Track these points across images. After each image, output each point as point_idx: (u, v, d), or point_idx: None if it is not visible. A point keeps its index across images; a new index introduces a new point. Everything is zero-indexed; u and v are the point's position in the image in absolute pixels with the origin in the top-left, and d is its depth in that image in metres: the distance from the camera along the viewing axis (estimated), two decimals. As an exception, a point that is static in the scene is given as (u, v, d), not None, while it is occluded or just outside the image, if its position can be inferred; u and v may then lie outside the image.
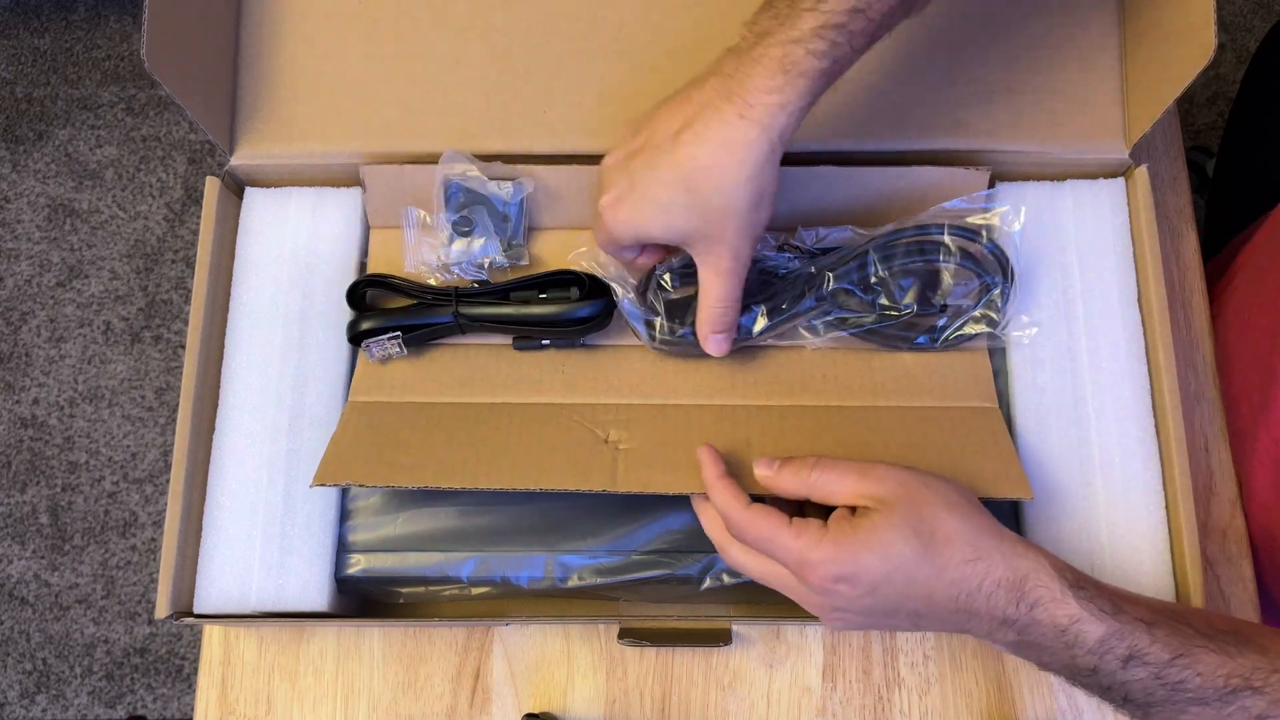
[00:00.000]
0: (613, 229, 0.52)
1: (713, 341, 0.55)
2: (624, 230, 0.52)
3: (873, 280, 0.56)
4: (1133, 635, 0.43)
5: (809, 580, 0.45)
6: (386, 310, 0.59)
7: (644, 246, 0.56)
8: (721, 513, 0.48)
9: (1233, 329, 0.65)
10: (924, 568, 0.44)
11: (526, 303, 0.58)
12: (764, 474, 0.49)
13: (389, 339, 0.58)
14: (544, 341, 0.58)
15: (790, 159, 0.58)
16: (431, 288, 0.59)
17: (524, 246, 0.60)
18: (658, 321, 0.57)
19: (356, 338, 0.58)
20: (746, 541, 0.47)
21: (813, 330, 0.57)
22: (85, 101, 1.51)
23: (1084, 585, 0.44)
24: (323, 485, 0.52)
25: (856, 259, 0.56)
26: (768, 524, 0.46)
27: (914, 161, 0.59)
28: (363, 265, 0.62)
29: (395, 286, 0.59)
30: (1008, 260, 0.56)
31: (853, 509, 0.46)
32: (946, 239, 0.55)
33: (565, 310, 0.57)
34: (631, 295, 0.57)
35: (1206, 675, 0.42)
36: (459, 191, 0.59)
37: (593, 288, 0.57)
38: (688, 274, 0.56)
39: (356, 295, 0.59)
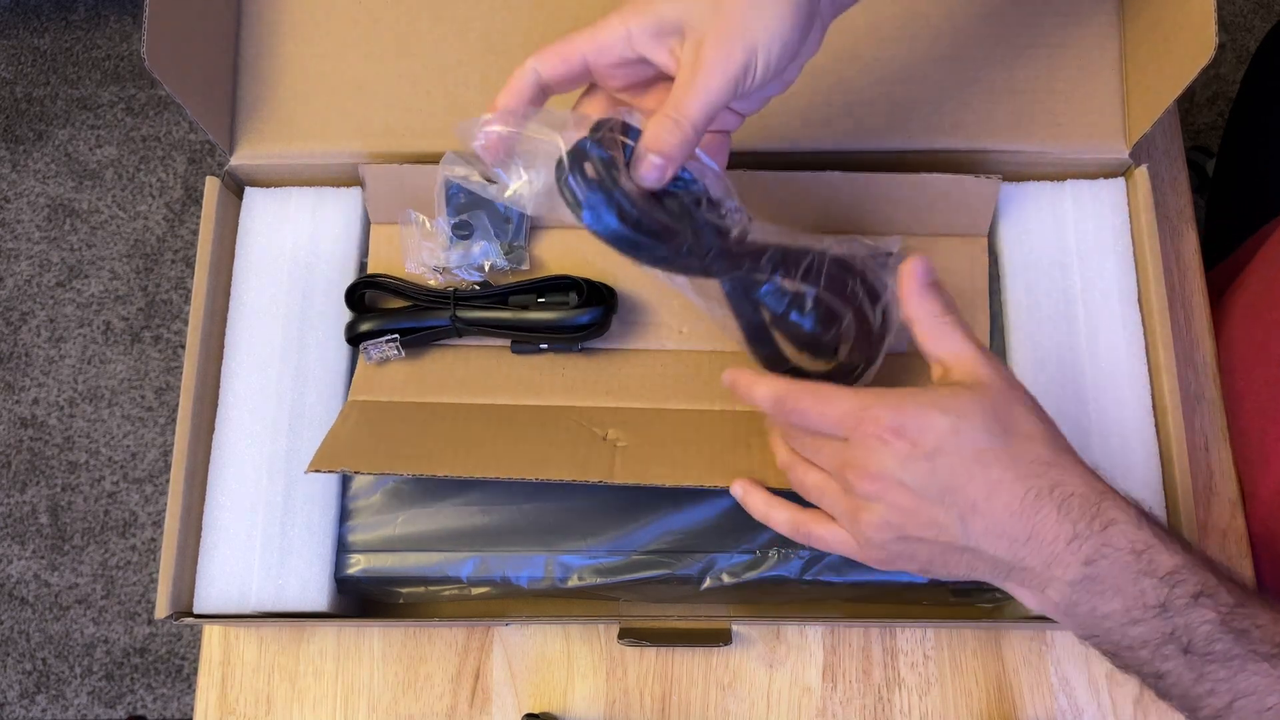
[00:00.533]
0: (623, 10, 0.44)
1: (649, 165, 0.44)
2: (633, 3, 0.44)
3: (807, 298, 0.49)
4: (1202, 572, 0.41)
5: (862, 430, 0.42)
6: (385, 311, 0.59)
7: (591, 89, 0.47)
8: (774, 396, 0.45)
9: (1240, 327, 0.64)
10: (996, 449, 0.41)
11: (524, 308, 0.57)
12: (924, 282, 0.45)
13: (386, 342, 0.58)
14: (542, 346, 0.58)
15: (795, 163, 0.59)
16: (429, 290, 0.59)
17: (525, 249, 0.60)
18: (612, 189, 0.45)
19: (355, 339, 0.58)
20: (801, 412, 0.44)
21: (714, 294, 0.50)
22: (85, 101, 1.51)
23: (1155, 519, 0.42)
24: (318, 471, 0.52)
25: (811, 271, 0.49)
26: (827, 386, 0.44)
27: (915, 162, 0.59)
28: (363, 265, 0.62)
29: (392, 288, 0.59)
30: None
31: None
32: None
33: (563, 317, 0.57)
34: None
35: (1264, 629, 0.40)
36: (460, 193, 0.59)
37: (591, 294, 0.57)
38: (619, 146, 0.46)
39: (354, 296, 0.59)
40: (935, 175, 0.58)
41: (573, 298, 0.57)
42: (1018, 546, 0.42)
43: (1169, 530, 0.43)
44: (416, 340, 0.58)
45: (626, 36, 0.44)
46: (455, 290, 0.58)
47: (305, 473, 0.53)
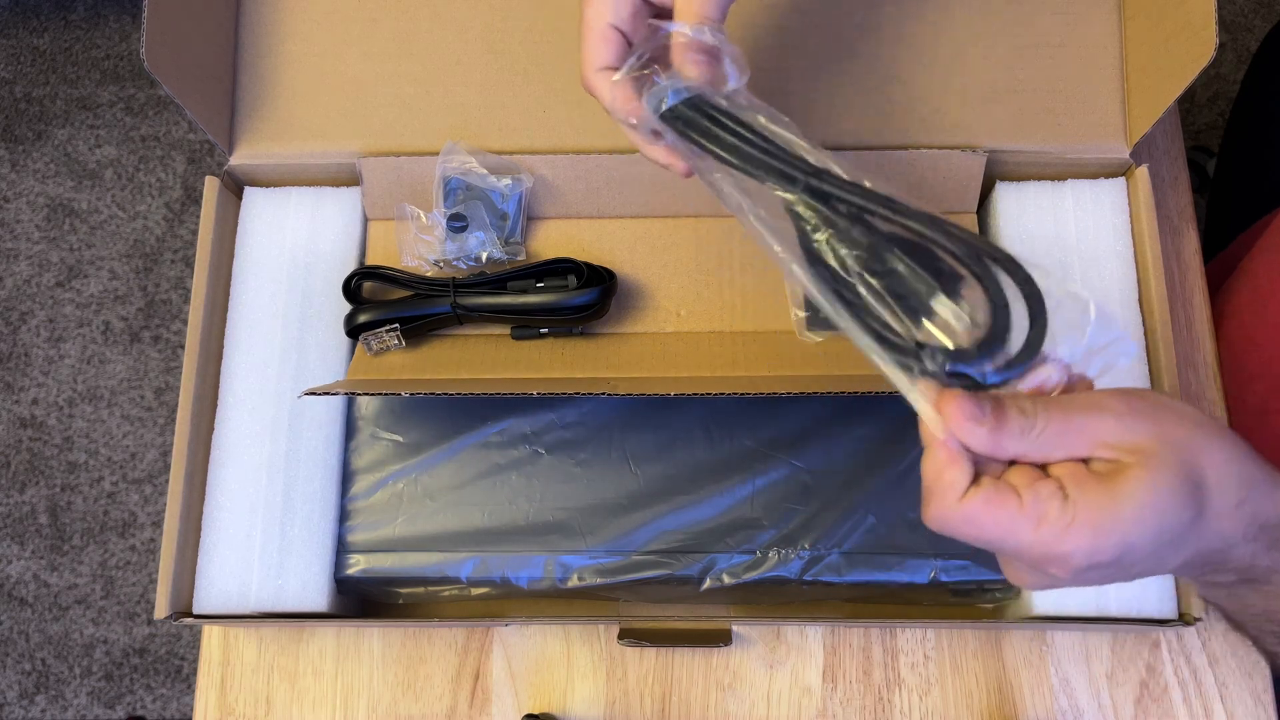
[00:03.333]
0: None
1: (690, 59, 0.43)
2: None
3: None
4: None
5: (1055, 574, 0.36)
6: (384, 303, 0.59)
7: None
8: (933, 515, 0.37)
9: (1248, 312, 0.64)
10: (1195, 526, 0.36)
11: (524, 292, 0.58)
12: (973, 430, 0.36)
13: (387, 331, 0.58)
14: (542, 330, 0.58)
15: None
16: (428, 278, 0.59)
17: (522, 244, 0.60)
18: None
19: (354, 330, 0.58)
20: (969, 540, 0.36)
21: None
22: (84, 101, 1.51)
23: None
24: (313, 394, 0.51)
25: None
26: (994, 518, 0.35)
27: (914, 161, 0.59)
28: (362, 264, 0.62)
29: (391, 278, 0.59)
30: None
31: (1086, 461, 0.36)
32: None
33: (562, 299, 0.57)
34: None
35: None
36: (458, 186, 0.59)
37: (590, 275, 0.57)
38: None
39: (351, 287, 0.59)
40: (921, 151, 0.59)
41: (571, 280, 0.58)
42: (1179, 571, 0.39)
43: None
44: (417, 329, 0.58)
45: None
46: (454, 278, 0.58)
47: (299, 397, 0.52)
